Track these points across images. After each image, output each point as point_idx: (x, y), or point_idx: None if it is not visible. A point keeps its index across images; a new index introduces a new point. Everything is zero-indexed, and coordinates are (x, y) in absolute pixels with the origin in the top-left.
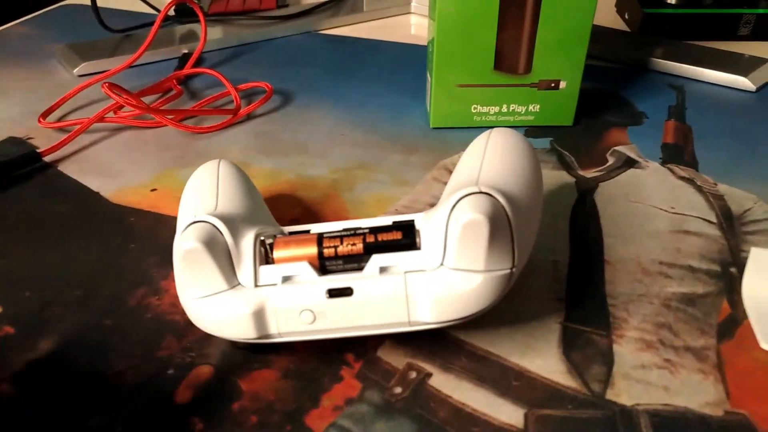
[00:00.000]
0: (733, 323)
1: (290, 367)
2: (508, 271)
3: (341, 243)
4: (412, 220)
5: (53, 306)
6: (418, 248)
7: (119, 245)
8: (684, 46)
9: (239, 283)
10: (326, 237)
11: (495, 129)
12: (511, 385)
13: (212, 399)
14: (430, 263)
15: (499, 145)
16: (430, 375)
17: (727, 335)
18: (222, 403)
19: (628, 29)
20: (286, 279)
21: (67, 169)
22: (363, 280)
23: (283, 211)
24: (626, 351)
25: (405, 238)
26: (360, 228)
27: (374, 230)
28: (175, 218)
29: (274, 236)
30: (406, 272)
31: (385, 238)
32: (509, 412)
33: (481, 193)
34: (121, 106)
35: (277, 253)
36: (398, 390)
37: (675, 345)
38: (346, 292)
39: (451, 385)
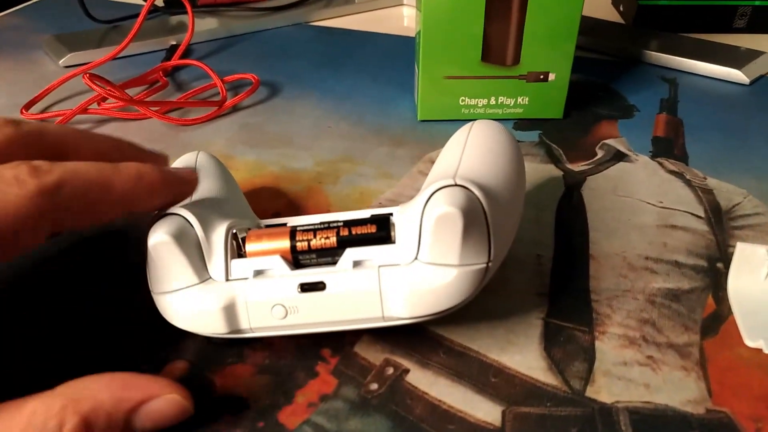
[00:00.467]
0: (718, 319)
1: (265, 363)
2: (484, 265)
3: (314, 236)
4: (390, 214)
5: (26, 297)
6: (393, 242)
7: (97, 238)
8: (678, 39)
9: (210, 277)
10: (299, 230)
11: (477, 121)
12: (489, 382)
13: None
14: (404, 257)
15: (480, 138)
16: (407, 371)
17: (711, 332)
18: (195, 398)
19: (623, 21)
20: (257, 273)
21: None
22: (336, 275)
23: (265, 203)
24: (608, 347)
25: (379, 231)
26: (335, 221)
27: (348, 224)
28: None
29: (248, 229)
30: (379, 266)
31: (359, 232)
32: (486, 410)
33: (456, 185)
34: (105, 98)
35: (249, 247)
36: (374, 386)
37: (658, 341)
38: (318, 286)
39: (428, 382)
